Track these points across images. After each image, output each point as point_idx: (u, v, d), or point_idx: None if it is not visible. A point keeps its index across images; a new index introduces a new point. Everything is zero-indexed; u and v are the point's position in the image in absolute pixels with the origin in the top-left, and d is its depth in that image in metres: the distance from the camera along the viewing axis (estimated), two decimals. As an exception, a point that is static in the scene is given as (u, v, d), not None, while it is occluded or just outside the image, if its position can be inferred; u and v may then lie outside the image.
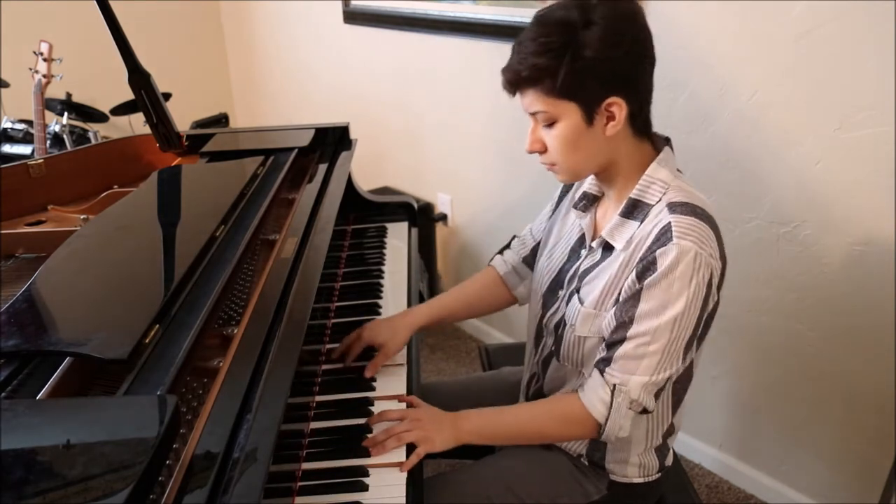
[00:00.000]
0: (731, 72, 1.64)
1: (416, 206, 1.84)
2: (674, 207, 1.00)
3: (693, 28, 1.68)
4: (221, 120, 3.21)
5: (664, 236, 0.98)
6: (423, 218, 2.48)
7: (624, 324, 1.01)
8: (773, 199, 1.65)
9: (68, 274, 1.04)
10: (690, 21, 1.67)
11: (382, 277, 1.56)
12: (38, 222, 1.47)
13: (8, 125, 2.69)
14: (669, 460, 1.20)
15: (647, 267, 0.99)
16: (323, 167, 1.63)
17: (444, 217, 2.68)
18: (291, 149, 1.62)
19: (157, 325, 0.92)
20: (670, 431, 1.16)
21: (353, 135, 1.83)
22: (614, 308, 1.04)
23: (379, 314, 1.43)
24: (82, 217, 1.44)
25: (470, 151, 2.47)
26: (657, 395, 1.03)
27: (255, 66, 3.57)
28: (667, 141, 1.09)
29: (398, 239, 1.75)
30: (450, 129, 2.52)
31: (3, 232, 1.31)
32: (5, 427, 0.68)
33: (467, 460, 1.29)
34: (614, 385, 1.02)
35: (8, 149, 2.64)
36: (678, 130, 1.78)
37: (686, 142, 1.78)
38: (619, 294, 1.04)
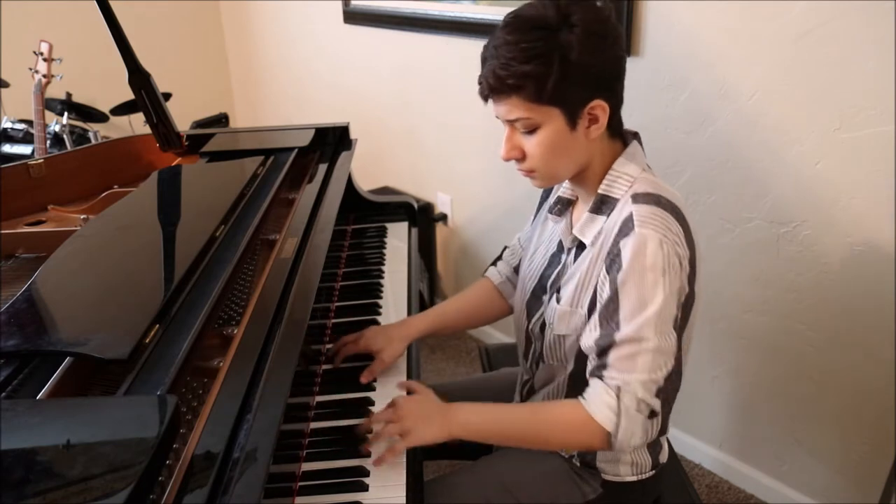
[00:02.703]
0: (731, 72, 1.64)
1: (416, 206, 1.85)
2: (637, 198, 1.00)
3: (693, 28, 1.67)
4: (221, 120, 3.21)
5: (626, 226, 0.98)
6: (423, 218, 2.49)
7: (611, 330, 0.99)
8: (773, 199, 1.65)
9: (68, 274, 1.04)
10: (690, 21, 1.67)
11: (382, 277, 1.56)
12: (38, 222, 1.47)
13: (8, 125, 2.68)
14: (664, 457, 1.19)
15: (613, 259, 0.99)
16: (323, 167, 1.63)
17: (444, 217, 2.68)
18: (291, 149, 1.63)
19: (158, 325, 0.92)
20: (663, 431, 1.16)
21: (353, 135, 1.83)
22: (597, 313, 1.02)
23: (379, 314, 1.43)
24: (82, 217, 1.44)
25: (470, 151, 2.47)
26: (658, 395, 1.01)
27: (255, 66, 3.57)
28: (635, 136, 1.09)
29: (398, 239, 1.75)
30: (450, 129, 2.52)
31: (3, 232, 1.31)
32: (5, 427, 0.68)
33: (467, 461, 1.29)
34: (618, 387, 0.98)
35: (8, 149, 2.63)
36: (678, 130, 1.78)
37: (686, 142, 1.78)
38: (594, 291, 1.03)
